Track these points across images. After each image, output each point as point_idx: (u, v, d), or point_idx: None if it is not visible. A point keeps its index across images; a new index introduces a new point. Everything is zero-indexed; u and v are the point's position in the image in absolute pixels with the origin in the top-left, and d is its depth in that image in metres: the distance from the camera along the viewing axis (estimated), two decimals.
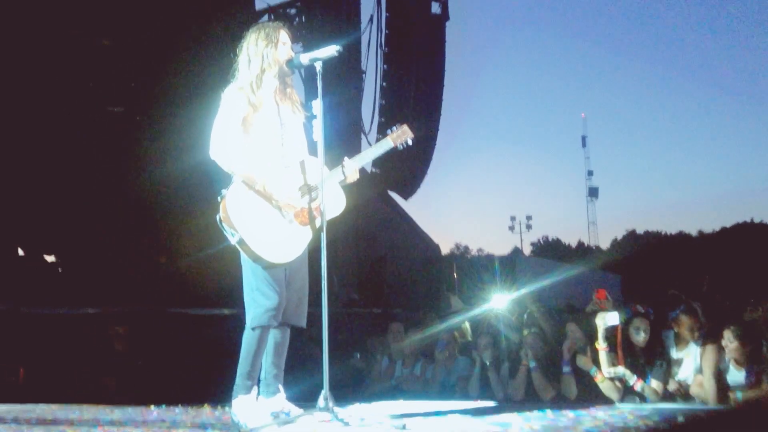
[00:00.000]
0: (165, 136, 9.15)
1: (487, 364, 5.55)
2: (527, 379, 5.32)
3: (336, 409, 3.24)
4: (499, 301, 6.59)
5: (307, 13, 12.80)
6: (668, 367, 4.90)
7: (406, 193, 16.72)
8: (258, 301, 3.39)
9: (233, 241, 3.35)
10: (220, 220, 3.36)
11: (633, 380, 4.82)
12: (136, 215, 9.17)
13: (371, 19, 14.33)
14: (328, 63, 3.54)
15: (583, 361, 5.07)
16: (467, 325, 6.90)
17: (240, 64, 3.58)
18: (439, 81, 15.96)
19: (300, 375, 4.20)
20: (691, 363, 4.88)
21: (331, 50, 3.48)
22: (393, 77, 15.14)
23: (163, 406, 4.47)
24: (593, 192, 57.99)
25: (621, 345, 4.95)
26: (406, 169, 15.80)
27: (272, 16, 12.66)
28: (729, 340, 4.61)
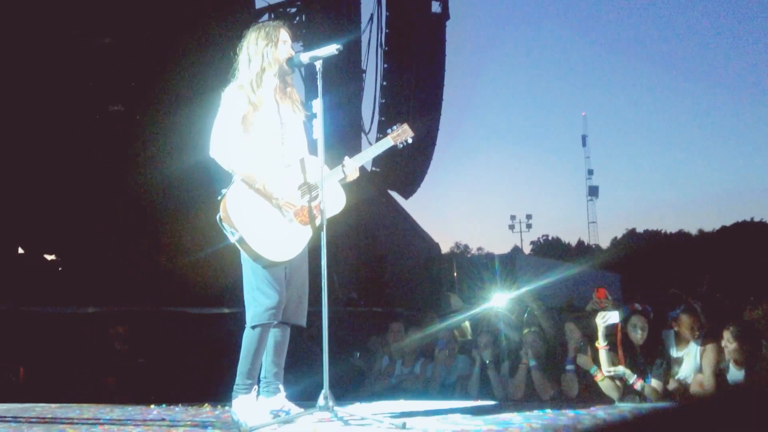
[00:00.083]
0: (165, 135, 9.15)
1: (487, 363, 5.55)
2: (527, 378, 5.32)
3: (336, 408, 3.25)
4: (499, 300, 6.58)
5: (308, 12, 12.80)
6: (668, 366, 4.90)
7: (407, 193, 16.73)
8: (258, 299, 3.39)
9: (233, 240, 3.35)
10: (220, 219, 3.36)
11: (633, 379, 4.81)
12: (136, 214, 9.17)
13: (371, 18, 14.37)
14: (328, 62, 3.54)
15: (583, 360, 5.07)
16: (467, 324, 6.90)
17: (240, 63, 3.59)
18: (440, 80, 15.97)
19: (300, 374, 4.21)
20: (691, 362, 4.88)
21: (331, 49, 3.48)
22: (393, 76, 15.14)
23: (164, 405, 4.48)
24: (593, 191, 58.11)
25: (621, 344, 4.95)
26: (406, 168, 15.82)
27: (272, 15, 12.65)
28: (728, 341, 4.61)
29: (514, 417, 3.56)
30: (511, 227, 52.20)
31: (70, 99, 9.08)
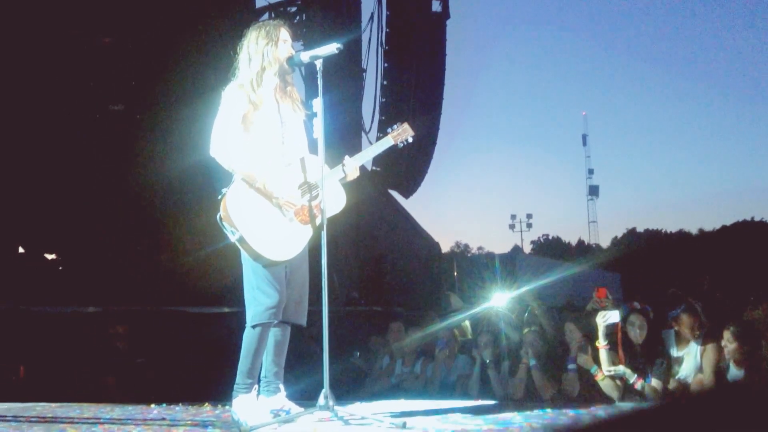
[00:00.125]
0: (165, 134, 9.15)
1: (487, 362, 5.55)
2: (527, 377, 5.31)
3: (336, 407, 3.24)
4: (500, 300, 6.58)
5: (308, 11, 12.79)
6: (668, 365, 4.90)
7: (407, 192, 16.72)
8: (258, 299, 3.39)
9: (233, 239, 3.35)
10: (221, 219, 3.36)
11: (633, 379, 4.81)
12: (137, 213, 9.17)
13: (372, 17, 14.35)
14: (328, 61, 3.54)
15: (583, 360, 5.06)
16: (467, 323, 6.89)
17: (240, 62, 3.59)
18: (440, 79, 15.95)
19: (300, 373, 4.21)
20: (691, 362, 4.88)
21: (332, 48, 3.48)
22: (393, 75, 15.13)
23: (164, 404, 4.48)
24: (593, 190, 58.15)
25: (621, 343, 4.95)
26: (406, 168, 15.81)
27: (272, 15, 12.64)
28: (728, 341, 4.61)
29: (514, 416, 3.56)
30: (512, 227, 52.25)
31: (70, 98, 9.08)
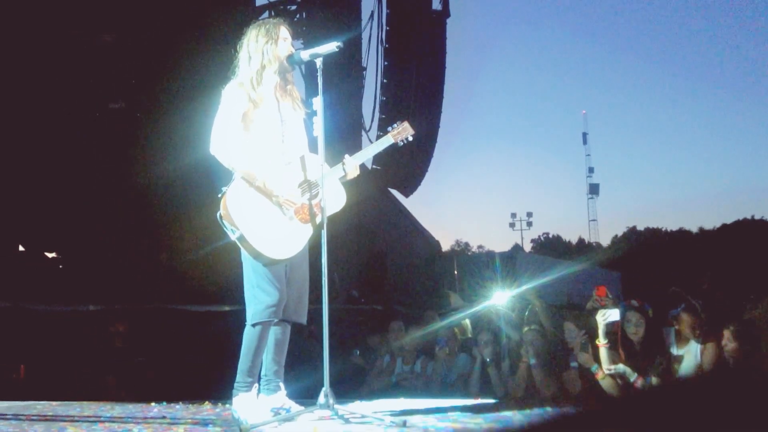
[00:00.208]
0: (165, 133, 9.15)
1: (488, 361, 5.55)
2: (527, 375, 5.32)
3: (336, 406, 3.24)
4: (500, 298, 6.57)
5: (308, 10, 12.78)
6: (668, 364, 4.89)
7: (407, 191, 16.71)
8: (258, 297, 3.39)
9: (234, 237, 3.35)
10: (221, 217, 3.36)
11: (634, 377, 4.81)
12: (137, 212, 9.17)
13: (372, 16, 14.35)
14: (328, 59, 3.53)
15: (584, 358, 5.06)
16: (467, 322, 6.89)
17: (240, 61, 3.58)
18: (440, 78, 15.92)
19: (300, 372, 4.20)
20: (691, 360, 4.88)
21: (332, 46, 3.48)
22: (394, 74, 15.11)
23: (164, 402, 4.48)
24: (594, 189, 58.11)
25: (621, 342, 4.95)
26: (406, 166, 15.79)
27: (273, 13, 12.63)
28: (728, 340, 4.61)
29: (514, 415, 3.56)
30: (512, 225, 52.30)
31: (70, 97, 9.08)
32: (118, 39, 9.16)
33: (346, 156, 3.61)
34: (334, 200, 3.56)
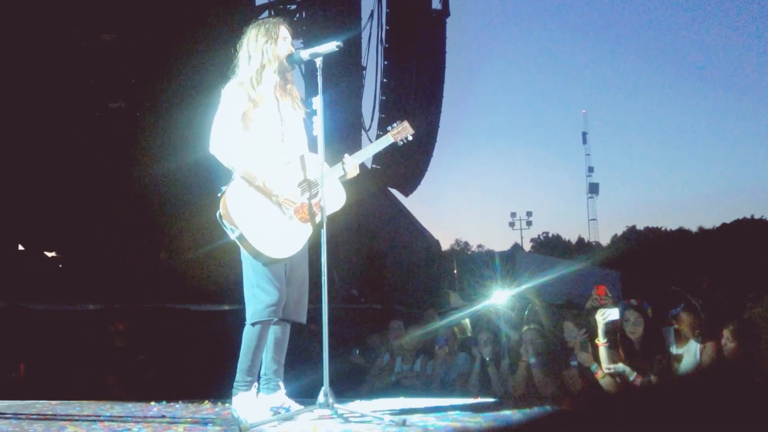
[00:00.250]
0: (165, 132, 9.15)
1: (487, 360, 5.55)
2: (527, 375, 5.32)
3: (336, 405, 3.24)
4: (499, 297, 6.58)
5: (308, 9, 12.79)
6: (668, 363, 4.90)
7: (407, 190, 16.72)
8: (258, 296, 3.39)
9: (233, 237, 3.35)
10: (220, 216, 3.36)
11: (633, 376, 4.81)
12: (137, 211, 9.18)
13: (372, 15, 14.35)
14: (328, 59, 3.53)
15: (583, 357, 5.07)
16: (467, 321, 6.89)
17: (240, 60, 3.58)
18: (440, 77, 15.92)
19: (300, 371, 4.20)
20: (691, 359, 4.88)
21: (332, 46, 3.48)
22: (393, 73, 15.11)
23: (164, 401, 4.48)
24: (593, 188, 58.18)
25: (621, 341, 4.95)
26: (406, 166, 15.80)
27: (272, 12, 12.63)
28: (728, 340, 4.61)
29: (514, 414, 3.56)
30: (512, 224, 52.35)
31: (70, 96, 9.08)
32: (118, 39, 9.16)
33: (346, 155, 3.61)
34: (334, 200, 3.56)
